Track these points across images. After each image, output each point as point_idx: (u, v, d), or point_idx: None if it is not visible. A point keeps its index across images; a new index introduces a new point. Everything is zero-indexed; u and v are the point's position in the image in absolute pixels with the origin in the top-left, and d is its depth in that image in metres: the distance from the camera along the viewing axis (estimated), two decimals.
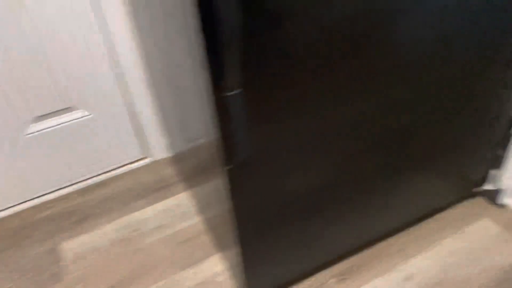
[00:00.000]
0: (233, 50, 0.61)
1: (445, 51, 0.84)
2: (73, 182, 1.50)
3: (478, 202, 1.30)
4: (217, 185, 0.87)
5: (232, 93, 0.66)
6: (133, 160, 1.57)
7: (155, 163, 1.59)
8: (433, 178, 1.12)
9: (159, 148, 1.57)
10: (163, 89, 1.39)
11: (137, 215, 1.37)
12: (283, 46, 0.65)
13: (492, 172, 1.25)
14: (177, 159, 1.53)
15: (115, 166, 1.55)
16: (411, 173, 1.05)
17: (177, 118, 1.32)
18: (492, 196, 1.28)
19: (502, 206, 1.27)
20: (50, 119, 1.34)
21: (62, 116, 1.35)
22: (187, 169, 1.38)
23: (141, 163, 1.58)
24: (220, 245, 1.19)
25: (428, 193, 1.16)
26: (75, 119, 1.37)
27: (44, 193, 1.47)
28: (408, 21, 0.74)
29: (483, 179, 1.27)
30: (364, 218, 1.07)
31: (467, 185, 1.26)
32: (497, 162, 1.22)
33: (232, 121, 0.68)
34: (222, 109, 0.67)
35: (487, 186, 1.28)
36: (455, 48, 0.84)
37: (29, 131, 1.32)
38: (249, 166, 0.77)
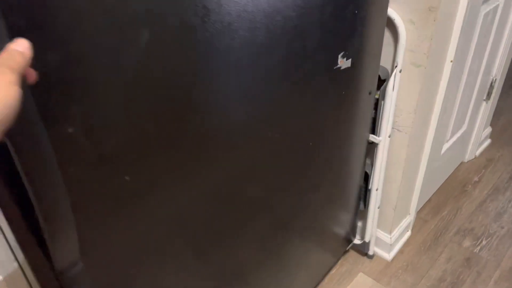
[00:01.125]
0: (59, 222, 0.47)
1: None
2: None
3: (351, 257, 1.34)
4: None
5: (71, 272, 0.51)
6: None
7: None
8: (310, 247, 1.11)
9: None
10: None
11: None
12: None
13: (359, 225, 1.31)
14: None
15: None
16: (287, 248, 1.01)
17: None
18: (362, 249, 1.34)
19: (371, 256, 1.34)
20: None
21: None
22: None
23: None
24: None
25: (309, 264, 1.15)
26: None
27: None
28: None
29: (353, 234, 1.32)
30: None
31: (339, 243, 1.29)
32: (361, 215, 1.28)
33: None
34: None
35: (356, 240, 1.33)
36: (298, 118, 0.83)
37: None
38: None
